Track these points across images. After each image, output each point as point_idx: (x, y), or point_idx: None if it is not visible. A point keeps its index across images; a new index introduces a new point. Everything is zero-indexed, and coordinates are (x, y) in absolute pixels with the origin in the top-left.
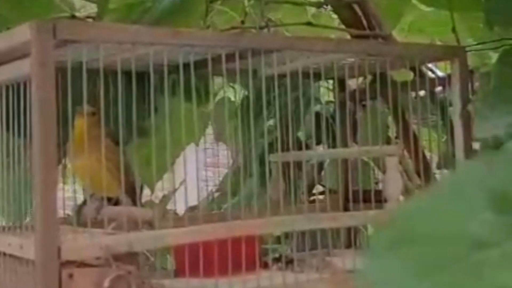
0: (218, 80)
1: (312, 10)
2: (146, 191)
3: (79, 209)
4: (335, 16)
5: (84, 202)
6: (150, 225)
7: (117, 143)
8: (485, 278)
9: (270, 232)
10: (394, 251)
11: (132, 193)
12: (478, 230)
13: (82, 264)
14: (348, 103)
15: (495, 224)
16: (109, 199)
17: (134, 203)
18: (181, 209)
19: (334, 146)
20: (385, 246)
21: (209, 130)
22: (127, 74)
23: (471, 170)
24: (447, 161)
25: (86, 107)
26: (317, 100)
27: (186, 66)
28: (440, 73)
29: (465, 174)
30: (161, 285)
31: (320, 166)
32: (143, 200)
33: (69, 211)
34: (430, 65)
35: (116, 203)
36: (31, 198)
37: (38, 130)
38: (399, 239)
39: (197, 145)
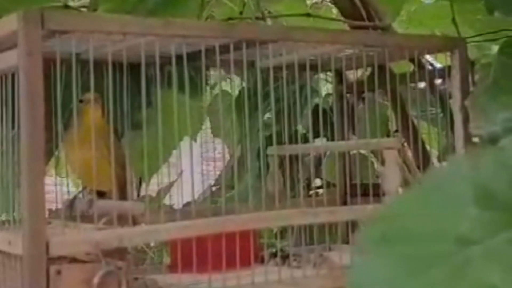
0: (216, 73)
1: (311, 1)
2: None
3: (71, 203)
4: (334, 11)
5: (76, 197)
6: (139, 219)
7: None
8: (469, 276)
9: (265, 226)
10: (382, 249)
11: (124, 187)
12: (464, 227)
13: (73, 260)
14: (346, 95)
15: (480, 221)
16: (101, 193)
17: (125, 197)
18: (178, 203)
19: (332, 139)
20: (373, 244)
21: (207, 124)
22: (121, 66)
23: (457, 166)
24: (447, 153)
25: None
26: (316, 93)
27: (181, 57)
28: (438, 65)
29: (451, 171)
30: (153, 281)
31: (319, 159)
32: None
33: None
34: (428, 57)
35: (109, 197)
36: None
37: (26, 122)
38: (386, 237)
39: (194, 140)
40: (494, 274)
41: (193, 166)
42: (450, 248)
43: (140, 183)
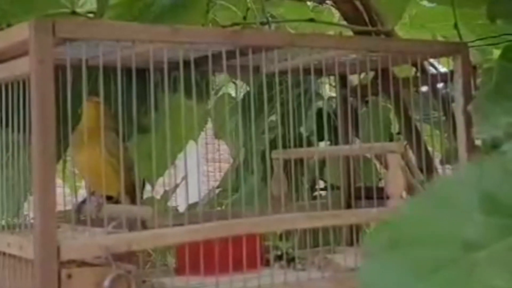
0: (221, 76)
1: (313, 4)
2: (148, 187)
3: (79, 207)
4: (335, 12)
5: (84, 200)
6: (147, 223)
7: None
8: (475, 280)
9: (271, 230)
10: (390, 253)
11: (132, 192)
12: (469, 233)
13: (82, 263)
14: (350, 99)
15: (485, 226)
16: (109, 198)
17: (133, 201)
18: (182, 205)
19: (336, 143)
20: (381, 248)
21: (210, 125)
22: (128, 71)
23: (462, 173)
24: (450, 157)
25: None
26: (319, 96)
27: (188, 63)
28: (442, 69)
29: (457, 177)
30: (161, 284)
31: (322, 162)
32: (144, 196)
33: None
34: (432, 60)
35: (116, 201)
36: (29, 195)
37: (37, 128)
38: (394, 241)
39: (195, 141)
40: (499, 278)
41: (199, 167)
42: (456, 252)
43: (143, 185)
